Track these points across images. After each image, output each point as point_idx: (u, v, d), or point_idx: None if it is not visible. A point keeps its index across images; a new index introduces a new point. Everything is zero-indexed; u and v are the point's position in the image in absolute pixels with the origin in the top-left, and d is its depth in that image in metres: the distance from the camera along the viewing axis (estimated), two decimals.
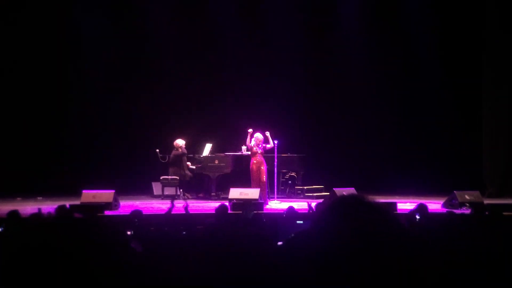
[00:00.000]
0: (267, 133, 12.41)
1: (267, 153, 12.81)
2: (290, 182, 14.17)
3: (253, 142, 12.27)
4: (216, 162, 13.51)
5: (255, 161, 12.29)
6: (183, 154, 13.51)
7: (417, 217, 6.21)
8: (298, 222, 6.13)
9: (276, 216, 9.14)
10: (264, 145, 12.37)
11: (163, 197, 13.27)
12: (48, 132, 14.69)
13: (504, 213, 6.68)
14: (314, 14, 15.66)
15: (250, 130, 12.33)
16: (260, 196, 11.59)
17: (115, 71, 15.05)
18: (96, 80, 14.96)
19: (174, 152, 13.59)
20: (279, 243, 4.02)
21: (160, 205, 11.59)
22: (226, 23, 15.38)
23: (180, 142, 13.57)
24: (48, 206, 8.94)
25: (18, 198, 12.31)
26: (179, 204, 9.33)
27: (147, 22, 15.16)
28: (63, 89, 14.86)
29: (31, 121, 14.63)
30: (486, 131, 14.72)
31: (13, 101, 14.53)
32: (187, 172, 13.55)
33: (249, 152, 12.69)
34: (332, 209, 1.39)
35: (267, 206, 11.79)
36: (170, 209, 7.95)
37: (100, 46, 14.92)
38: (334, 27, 15.89)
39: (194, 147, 14.07)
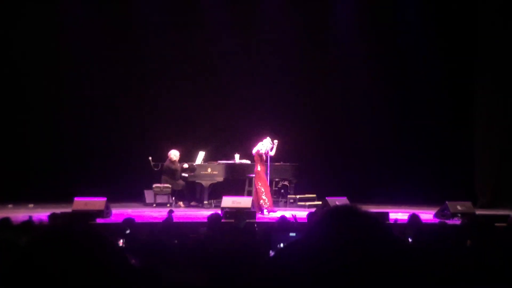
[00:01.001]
0: (276, 142, 12.41)
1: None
2: (282, 191, 14.18)
3: (264, 150, 12.26)
4: (209, 170, 13.50)
5: (263, 167, 12.28)
6: (175, 170, 13.49)
7: (410, 240, 6.19)
8: (291, 234, 6.10)
9: (269, 225, 9.14)
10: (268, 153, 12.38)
11: (155, 205, 13.23)
12: (40, 139, 14.62)
13: (496, 224, 6.71)
14: (310, 16, 15.70)
15: (276, 142, 12.37)
16: (253, 204, 11.59)
17: (109, 79, 15.02)
18: (89, 87, 14.92)
19: (168, 162, 13.56)
20: (272, 253, 4.01)
21: (152, 213, 11.55)
22: (220, 29, 15.41)
23: (174, 156, 13.51)
24: (40, 214, 8.90)
25: (9, 205, 12.23)
26: (176, 212, 9.31)
27: (141, 28, 15.16)
28: (54, 96, 14.81)
29: (23, 128, 14.56)
30: (478, 142, 14.79)
31: (4, 107, 14.47)
32: (180, 180, 13.53)
33: (248, 161, 12.78)
34: (324, 219, 1.39)
35: (272, 214, 11.80)
36: (166, 219, 7.92)
37: (94, 53, 14.90)
38: (328, 33, 15.95)
39: (187, 155, 14.05)
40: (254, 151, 12.37)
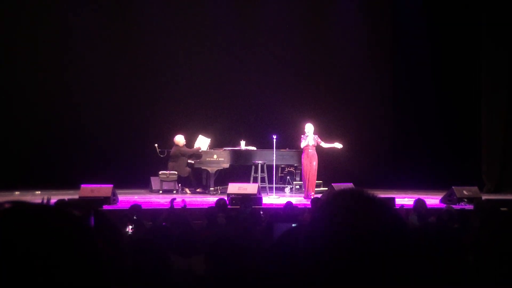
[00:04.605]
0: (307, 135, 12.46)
1: (264, 148, 13.29)
2: (288, 177, 14.18)
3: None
4: (215, 156, 13.49)
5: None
6: (184, 153, 13.48)
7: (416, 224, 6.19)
8: (293, 225, 6.09)
9: (274, 211, 9.13)
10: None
11: (161, 191, 13.26)
12: (46, 125, 14.65)
13: (502, 209, 6.69)
14: (311, 11, 15.70)
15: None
16: (258, 190, 11.60)
17: (114, 65, 15.02)
18: (94, 74, 14.92)
19: (174, 148, 13.56)
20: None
21: (159, 200, 11.58)
22: (222, 17, 15.36)
23: (180, 141, 13.50)
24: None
25: (16, 192, 12.28)
26: (180, 198, 9.33)
27: (145, 13, 15.13)
28: (60, 83, 14.82)
29: (29, 114, 14.59)
30: (485, 127, 14.72)
31: (11, 94, 14.50)
32: (186, 167, 13.53)
33: (254, 148, 12.74)
34: (329, 203, 1.36)
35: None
36: (169, 209, 7.93)
37: (97, 38, 14.91)
38: (330, 22, 15.92)
39: (192, 141, 14.04)
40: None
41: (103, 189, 10.62)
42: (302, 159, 12.50)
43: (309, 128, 12.34)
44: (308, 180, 12.26)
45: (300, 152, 14.08)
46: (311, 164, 12.30)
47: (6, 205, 1.08)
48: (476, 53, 14.69)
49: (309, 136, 12.30)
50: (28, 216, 1.07)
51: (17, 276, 1.01)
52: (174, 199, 8.33)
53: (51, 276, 1.03)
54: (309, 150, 12.29)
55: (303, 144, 12.37)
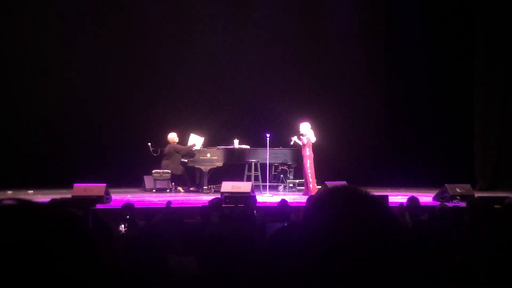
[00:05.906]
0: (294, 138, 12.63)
1: (257, 146, 13.25)
2: (282, 175, 14.19)
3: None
4: (208, 155, 13.48)
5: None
6: (177, 151, 13.48)
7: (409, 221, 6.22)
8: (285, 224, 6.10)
9: (268, 209, 9.13)
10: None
11: (155, 190, 13.24)
12: (39, 124, 14.60)
13: (495, 206, 6.71)
14: (305, 7, 15.71)
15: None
16: (252, 189, 11.60)
17: (107, 65, 14.98)
18: (86, 72, 14.88)
19: (169, 145, 13.54)
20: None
21: (152, 199, 11.56)
22: (215, 16, 15.35)
23: (173, 138, 13.49)
24: (40, 200, 8.90)
25: (9, 191, 12.23)
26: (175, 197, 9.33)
27: (137, 13, 15.09)
28: (52, 81, 14.76)
29: (22, 114, 14.54)
30: (478, 124, 14.77)
31: (3, 93, 14.44)
32: (180, 165, 13.51)
33: (247, 146, 12.74)
34: (322, 200, 1.35)
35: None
36: (166, 209, 7.92)
37: (91, 38, 14.85)
38: (324, 20, 15.94)
39: (185, 140, 14.03)
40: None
41: (96, 188, 10.59)
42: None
43: (303, 127, 12.45)
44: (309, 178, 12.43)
45: (293, 150, 14.12)
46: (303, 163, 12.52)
47: (10, 202, 1.08)
48: (471, 53, 14.72)
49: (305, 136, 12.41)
50: (31, 214, 1.08)
51: (18, 275, 1.01)
52: (170, 202, 8.31)
53: (53, 275, 1.03)
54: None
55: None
